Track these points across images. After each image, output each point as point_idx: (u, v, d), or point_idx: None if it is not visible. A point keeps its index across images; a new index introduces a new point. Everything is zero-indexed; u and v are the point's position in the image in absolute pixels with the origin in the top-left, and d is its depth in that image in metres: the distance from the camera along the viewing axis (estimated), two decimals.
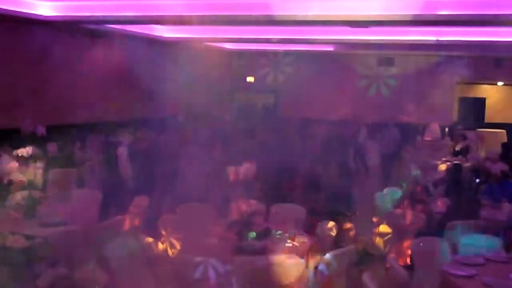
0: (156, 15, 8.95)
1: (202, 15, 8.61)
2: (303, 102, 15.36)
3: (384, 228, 7.08)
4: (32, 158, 8.07)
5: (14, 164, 7.80)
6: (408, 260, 5.80)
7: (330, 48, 14.23)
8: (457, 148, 11.41)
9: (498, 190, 7.27)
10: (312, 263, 4.97)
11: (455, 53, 14.03)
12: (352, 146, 9.99)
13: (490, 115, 16.00)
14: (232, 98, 16.62)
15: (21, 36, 9.46)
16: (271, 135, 10.55)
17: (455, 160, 10.03)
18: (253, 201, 6.40)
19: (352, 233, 5.73)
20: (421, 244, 5.34)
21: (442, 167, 9.89)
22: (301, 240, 5.35)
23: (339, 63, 15.41)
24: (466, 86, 16.03)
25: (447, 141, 12.81)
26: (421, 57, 14.87)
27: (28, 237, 4.82)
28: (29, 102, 9.68)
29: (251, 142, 9.82)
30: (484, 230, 5.84)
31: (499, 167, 8.40)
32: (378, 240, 7.19)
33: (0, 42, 9.28)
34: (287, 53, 15.73)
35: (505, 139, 13.46)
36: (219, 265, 4.49)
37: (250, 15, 8.34)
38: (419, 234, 5.94)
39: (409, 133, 12.70)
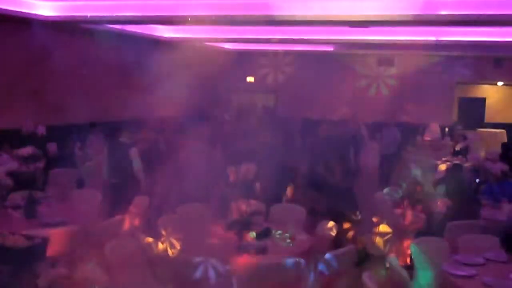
0: (156, 15, 8.95)
1: (202, 15, 8.61)
2: (303, 102, 15.35)
3: (384, 228, 7.09)
4: (32, 158, 8.07)
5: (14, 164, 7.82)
6: (408, 260, 5.81)
7: (330, 48, 14.22)
8: (457, 148, 11.40)
9: (498, 190, 7.27)
10: (312, 263, 4.97)
11: (455, 53, 14.03)
12: (352, 146, 9.97)
13: (490, 115, 16.00)
14: (232, 98, 16.61)
15: (21, 36, 9.45)
16: (271, 135, 10.54)
17: (455, 160, 10.03)
18: (253, 201, 6.41)
19: (351, 233, 5.73)
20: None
21: (442, 167, 9.90)
22: (301, 240, 5.35)
23: (339, 63, 15.41)
24: (466, 86, 16.03)
25: (447, 141, 12.81)
26: (421, 57, 14.87)
27: (28, 237, 4.82)
28: (29, 102, 9.67)
29: (251, 142, 9.81)
30: (484, 230, 5.84)
31: (499, 167, 8.39)
32: (378, 240, 7.19)
33: (0, 42, 9.27)
34: (287, 53, 15.73)
35: (505, 139, 13.46)
36: (219, 265, 4.49)
37: (250, 15, 8.34)
38: (419, 234, 5.95)
39: (409, 133, 12.69)
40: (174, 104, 12.57)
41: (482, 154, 11.00)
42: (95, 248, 5.10)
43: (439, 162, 10.47)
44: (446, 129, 13.55)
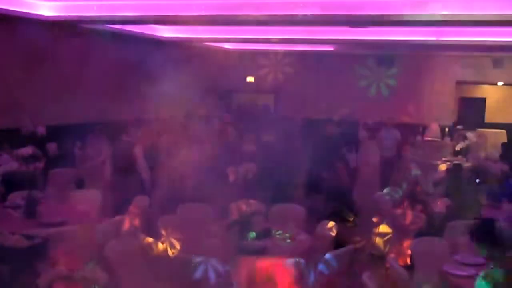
0: (156, 15, 8.95)
1: (202, 15, 8.61)
2: (303, 102, 15.36)
3: (384, 228, 7.09)
4: (32, 158, 8.07)
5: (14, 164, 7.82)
6: (408, 260, 5.81)
7: (330, 48, 14.23)
8: (457, 148, 11.41)
9: (498, 190, 7.27)
10: (312, 263, 4.97)
11: (455, 53, 14.03)
12: (352, 146, 9.98)
13: (490, 115, 16.01)
14: (232, 98, 16.61)
15: (21, 36, 9.45)
16: (271, 135, 10.54)
17: (455, 160, 10.03)
18: (253, 201, 6.40)
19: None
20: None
21: (442, 167, 9.90)
22: (301, 240, 5.35)
23: (339, 63, 15.41)
24: (466, 86, 16.03)
25: (447, 141, 12.82)
26: (421, 57, 14.87)
27: (28, 237, 4.82)
28: (29, 102, 9.68)
29: (251, 142, 9.83)
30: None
31: (499, 167, 8.40)
32: (378, 240, 7.19)
33: (0, 41, 9.27)
34: (287, 53, 15.73)
35: (505, 139, 13.46)
36: (219, 265, 4.49)
37: (250, 15, 8.34)
38: (419, 234, 5.95)
39: (409, 133, 12.70)
40: (174, 104, 12.59)
41: (482, 154, 11.01)
42: (95, 248, 5.11)
43: (439, 162, 10.47)
44: (446, 129, 13.56)
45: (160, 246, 5.25)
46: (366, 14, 7.89)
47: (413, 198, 7.09)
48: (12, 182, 7.37)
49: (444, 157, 10.94)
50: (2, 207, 6.30)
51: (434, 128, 13.81)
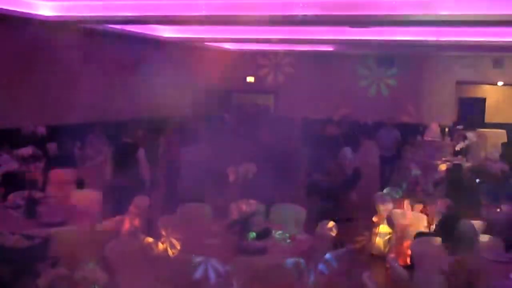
0: (156, 15, 8.94)
1: (202, 15, 8.61)
2: (303, 102, 15.36)
3: (384, 228, 7.09)
4: (32, 158, 8.07)
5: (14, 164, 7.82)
6: (408, 260, 5.80)
7: (330, 48, 14.23)
8: (457, 148, 11.41)
9: (498, 190, 7.26)
10: (312, 263, 4.97)
11: (455, 53, 14.03)
12: (351, 146, 9.96)
13: (490, 115, 16.01)
14: (232, 98, 16.62)
15: (21, 36, 9.46)
16: (271, 135, 10.54)
17: (455, 160, 10.03)
18: (253, 201, 6.40)
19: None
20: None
21: (442, 167, 9.89)
22: (301, 240, 5.35)
23: (339, 63, 15.41)
24: (466, 86, 16.03)
25: (447, 141, 12.82)
26: (421, 57, 14.87)
27: (28, 237, 4.82)
28: (29, 102, 9.68)
29: (251, 142, 9.83)
30: (484, 230, 5.84)
31: (499, 167, 8.40)
32: (378, 240, 7.19)
33: (0, 41, 9.28)
34: (287, 53, 15.73)
35: (505, 139, 13.46)
36: (219, 265, 4.49)
37: (250, 15, 8.34)
38: (419, 234, 5.94)
39: (409, 133, 12.70)
40: (174, 104, 12.60)
41: (482, 154, 11.01)
42: (95, 248, 5.11)
43: (439, 162, 10.46)
44: (446, 129, 13.56)
45: (160, 246, 5.25)
46: (366, 14, 7.89)
47: (413, 198, 7.08)
48: (12, 182, 7.38)
49: (444, 157, 10.93)
50: (2, 207, 6.30)
51: (434, 128, 13.81)
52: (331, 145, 9.47)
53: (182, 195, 6.99)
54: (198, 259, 4.53)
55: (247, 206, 6.20)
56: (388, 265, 5.36)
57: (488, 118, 15.97)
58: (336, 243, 5.48)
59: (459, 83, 15.42)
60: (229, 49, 15.39)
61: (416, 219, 6.52)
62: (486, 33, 10.22)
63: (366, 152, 11.12)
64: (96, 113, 10.65)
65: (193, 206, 6.40)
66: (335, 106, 14.33)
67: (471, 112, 15.78)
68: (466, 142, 11.53)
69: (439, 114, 14.57)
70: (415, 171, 8.88)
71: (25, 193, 6.38)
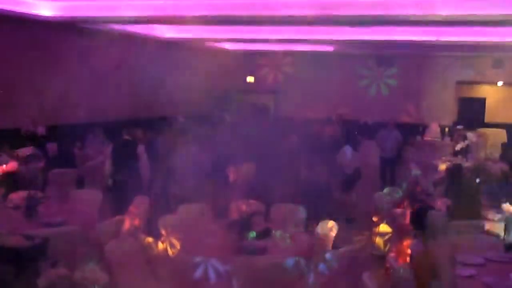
0: (156, 15, 8.95)
1: (202, 15, 8.61)
2: (303, 102, 15.35)
3: (384, 228, 7.08)
4: (32, 158, 8.07)
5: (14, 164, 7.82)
6: (408, 260, 5.80)
7: (330, 48, 14.22)
8: (457, 148, 11.40)
9: (498, 190, 7.26)
10: (312, 263, 4.97)
11: (455, 53, 14.03)
12: (349, 146, 9.92)
13: (490, 115, 16.00)
14: (232, 98, 16.61)
15: (21, 36, 9.46)
16: (271, 135, 10.54)
17: (455, 160, 10.03)
18: (253, 201, 6.40)
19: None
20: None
21: (442, 167, 9.89)
22: (301, 240, 5.35)
23: (339, 63, 15.41)
24: (466, 86, 16.03)
25: (447, 141, 12.82)
26: (421, 57, 14.87)
27: (28, 237, 4.82)
28: (29, 102, 9.68)
29: (251, 142, 9.81)
30: (484, 230, 5.84)
31: (499, 167, 8.40)
32: (378, 240, 7.19)
33: (0, 41, 9.28)
34: (287, 53, 15.72)
35: (505, 139, 13.46)
36: (219, 265, 4.49)
37: (250, 15, 8.34)
38: (419, 234, 5.94)
39: (409, 133, 12.70)
40: (174, 104, 12.60)
41: (482, 154, 11.01)
42: (95, 248, 5.11)
43: (439, 162, 10.46)
44: (446, 129, 13.56)
45: (160, 246, 5.25)
46: (366, 14, 7.89)
47: (413, 198, 7.08)
48: (12, 182, 7.38)
49: (444, 157, 10.93)
50: (2, 207, 6.30)
51: (434, 128, 13.81)
52: (330, 144, 9.47)
53: (181, 195, 6.98)
54: (198, 259, 4.52)
55: (247, 206, 6.20)
56: (388, 265, 5.36)
57: (488, 118, 15.96)
58: (336, 243, 5.48)
59: (459, 83, 15.42)
60: (229, 49, 15.38)
61: None
62: (486, 33, 10.22)
63: (366, 152, 11.12)
64: (96, 113, 10.65)
65: (193, 206, 6.39)
66: (335, 106, 14.32)
67: (471, 112, 15.77)
68: (466, 142, 11.52)
69: (439, 114, 14.58)
70: (415, 171, 8.88)
71: (25, 193, 6.37)
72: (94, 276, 3.81)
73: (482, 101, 16.24)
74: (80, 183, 8.48)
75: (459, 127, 13.55)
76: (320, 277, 4.75)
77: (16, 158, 8.02)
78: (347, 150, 9.48)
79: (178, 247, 5.17)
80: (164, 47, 12.69)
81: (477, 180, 7.97)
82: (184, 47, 13.51)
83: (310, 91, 15.41)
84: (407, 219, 6.53)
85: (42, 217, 5.79)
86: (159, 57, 12.40)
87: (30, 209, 5.89)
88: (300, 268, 4.63)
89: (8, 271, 4.36)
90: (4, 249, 4.60)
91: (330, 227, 5.68)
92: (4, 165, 7.76)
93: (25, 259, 4.55)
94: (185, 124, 11.25)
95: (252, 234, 5.30)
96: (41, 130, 9.49)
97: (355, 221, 8.15)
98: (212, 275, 4.47)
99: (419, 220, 5.21)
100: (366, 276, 4.31)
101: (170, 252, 5.22)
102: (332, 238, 5.63)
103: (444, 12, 7.47)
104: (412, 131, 13.21)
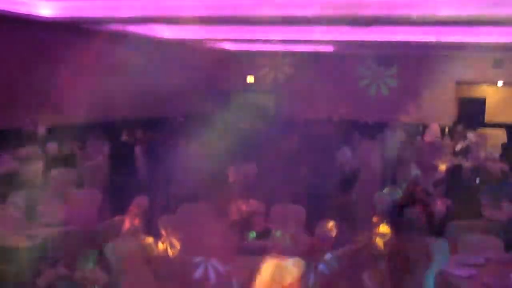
0: (156, 15, 8.94)
1: (202, 15, 8.61)
2: (303, 102, 15.36)
3: (384, 228, 7.07)
4: (32, 158, 8.07)
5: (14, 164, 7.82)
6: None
7: (330, 48, 14.22)
8: (457, 148, 11.40)
9: (498, 190, 7.26)
10: (312, 263, 4.96)
11: (455, 53, 14.03)
12: (347, 146, 9.93)
13: (490, 115, 16.00)
14: (232, 98, 16.62)
15: (21, 36, 9.46)
16: (271, 135, 10.54)
17: (455, 160, 10.02)
18: (253, 201, 6.40)
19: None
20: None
21: (442, 167, 9.89)
22: (301, 240, 5.34)
23: (339, 63, 15.41)
24: (466, 86, 16.03)
25: (447, 141, 12.81)
26: (421, 57, 14.87)
27: (28, 237, 4.82)
28: (29, 102, 9.68)
29: (251, 142, 9.82)
30: (484, 230, 5.83)
31: (499, 167, 8.40)
32: (378, 240, 7.17)
33: (0, 41, 9.28)
34: (287, 53, 15.73)
35: (505, 139, 13.46)
36: (219, 265, 4.49)
37: (250, 15, 8.34)
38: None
39: (409, 133, 12.69)
40: (174, 104, 12.60)
41: (482, 154, 11.00)
42: (95, 248, 5.10)
43: (439, 162, 10.46)
44: (446, 129, 13.55)
45: (160, 246, 5.25)
46: (366, 14, 7.89)
47: (413, 198, 7.07)
48: (12, 182, 7.37)
49: (444, 157, 10.92)
50: (2, 207, 6.29)
51: (434, 128, 13.80)
52: (328, 145, 9.46)
53: (181, 195, 6.98)
54: (198, 259, 4.52)
55: (247, 206, 6.20)
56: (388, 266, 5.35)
57: (488, 118, 15.97)
58: (336, 243, 5.47)
59: (459, 83, 15.42)
60: (229, 49, 15.39)
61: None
62: (486, 33, 10.22)
63: (366, 152, 11.10)
64: (96, 113, 10.65)
65: (193, 206, 6.39)
66: (335, 106, 14.33)
67: (471, 112, 15.77)
68: (466, 142, 11.52)
69: (439, 114, 14.57)
70: (415, 171, 8.87)
71: (25, 193, 6.37)
72: (94, 276, 3.82)
73: (482, 101, 16.24)
74: (80, 183, 8.48)
75: (459, 127, 13.54)
76: (320, 277, 4.75)
77: (16, 158, 8.02)
78: (345, 150, 9.48)
79: (178, 247, 5.16)
80: (164, 47, 12.69)
81: (477, 180, 7.98)
82: (184, 47, 13.51)
83: (310, 91, 15.41)
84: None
85: (42, 217, 5.78)
86: (159, 57, 12.41)
87: (30, 209, 5.89)
88: (300, 268, 4.63)
89: (8, 271, 4.36)
90: (4, 249, 4.60)
91: (330, 227, 5.67)
92: (4, 165, 7.77)
93: (25, 259, 4.55)
94: (185, 124, 11.26)
95: (252, 234, 5.30)
96: (41, 130, 9.48)
97: (354, 221, 8.13)
98: (212, 275, 4.47)
99: (395, 215, 5.49)
100: (366, 276, 4.31)
101: (170, 252, 5.22)
102: (332, 238, 5.63)
103: (444, 12, 7.47)
104: (412, 131, 13.20)
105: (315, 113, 14.32)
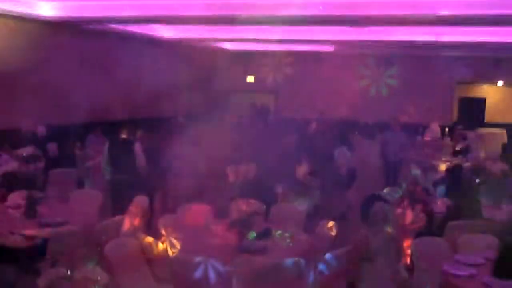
0: (156, 15, 8.95)
1: (202, 15, 8.61)
2: (303, 102, 15.36)
3: None
4: (32, 158, 8.07)
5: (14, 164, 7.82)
6: (408, 260, 5.80)
7: (330, 48, 14.23)
8: (457, 148, 11.40)
9: (498, 190, 7.26)
10: (312, 263, 4.96)
11: (455, 53, 14.04)
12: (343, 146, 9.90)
13: (490, 115, 16.01)
14: (232, 98, 16.63)
15: (21, 36, 9.45)
16: (271, 135, 10.54)
17: (455, 160, 10.03)
18: (253, 201, 6.40)
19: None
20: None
21: (442, 167, 9.89)
22: (301, 240, 5.35)
23: (339, 63, 15.41)
24: (466, 86, 16.04)
25: (447, 141, 12.81)
26: (421, 57, 14.88)
27: (28, 237, 4.82)
28: (29, 102, 9.66)
29: (250, 142, 9.82)
30: (484, 230, 5.83)
31: (499, 167, 8.40)
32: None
33: (0, 41, 9.28)
34: (287, 53, 15.73)
35: (505, 139, 13.47)
36: (219, 265, 4.49)
37: (250, 15, 8.34)
38: (419, 234, 5.94)
39: (409, 133, 12.70)
40: (174, 104, 12.60)
41: (482, 154, 11.01)
42: (95, 248, 5.11)
43: (439, 162, 10.46)
44: (446, 129, 13.56)
45: (160, 246, 5.25)
46: (366, 14, 7.89)
47: (413, 198, 7.08)
48: (12, 182, 7.37)
49: (444, 157, 10.93)
50: (2, 207, 6.30)
51: (434, 128, 13.81)
52: (321, 144, 9.44)
53: (181, 195, 6.98)
54: (198, 259, 4.52)
55: (247, 206, 6.20)
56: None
57: (488, 118, 15.98)
58: (336, 243, 5.48)
59: (459, 83, 15.43)
60: (229, 49, 15.39)
61: (416, 218, 6.51)
62: (486, 33, 10.22)
63: (365, 152, 11.10)
64: (95, 113, 10.64)
65: (193, 206, 6.39)
66: (335, 106, 14.34)
67: (471, 112, 15.78)
68: (466, 142, 11.52)
69: (439, 114, 14.58)
70: (415, 171, 8.87)
71: (25, 193, 6.37)
72: (94, 276, 3.82)
73: (482, 101, 16.25)
74: (80, 183, 8.48)
75: (459, 127, 13.56)
76: (320, 277, 4.75)
77: (16, 158, 8.02)
78: (342, 150, 9.47)
79: (178, 247, 5.17)
80: (164, 47, 12.69)
81: (477, 180, 7.98)
82: (184, 47, 13.52)
83: (310, 91, 15.41)
84: (407, 219, 6.52)
85: (42, 217, 5.79)
86: (159, 57, 12.41)
87: (30, 209, 5.89)
88: (300, 268, 4.63)
89: (8, 271, 4.36)
90: (4, 249, 4.60)
91: (330, 227, 5.68)
92: (4, 165, 7.77)
93: (25, 259, 4.55)
94: (185, 124, 11.26)
95: (252, 234, 5.30)
96: (41, 130, 9.48)
97: (353, 221, 8.14)
98: (212, 275, 4.47)
99: (365, 208, 5.74)
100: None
101: (170, 252, 5.22)
102: (332, 238, 5.63)
103: (444, 12, 7.47)
104: (412, 131, 13.20)
105: (315, 113, 14.32)
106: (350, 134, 11.88)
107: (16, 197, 6.53)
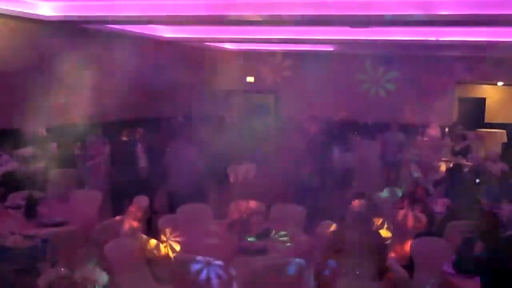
0: (156, 15, 8.95)
1: (202, 15, 8.61)
2: (303, 102, 15.36)
3: (384, 233, 7.07)
4: (32, 158, 8.07)
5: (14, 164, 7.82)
6: (408, 260, 5.80)
7: (330, 48, 14.22)
8: (457, 148, 11.40)
9: (498, 190, 7.26)
10: (312, 263, 4.97)
11: (455, 53, 14.04)
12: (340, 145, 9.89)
13: (490, 115, 16.02)
14: (232, 98, 16.63)
15: (21, 36, 9.45)
16: (271, 135, 10.54)
17: (455, 160, 10.03)
18: (253, 201, 6.40)
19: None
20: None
21: (442, 167, 9.89)
22: (301, 240, 5.35)
23: (339, 63, 15.41)
24: (466, 86, 16.03)
25: (447, 141, 12.81)
26: (421, 57, 14.88)
27: (28, 237, 4.82)
28: (29, 102, 9.66)
29: (250, 142, 9.82)
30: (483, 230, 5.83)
31: (499, 167, 8.40)
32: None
33: (0, 41, 9.27)
34: (287, 53, 15.73)
35: (505, 139, 13.47)
36: (219, 265, 4.49)
37: (250, 15, 8.34)
38: (419, 234, 5.95)
39: (409, 133, 12.70)
40: (174, 104, 12.60)
41: (482, 154, 11.01)
42: (95, 248, 5.11)
43: (439, 162, 10.46)
44: (446, 129, 13.56)
45: (160, 246, 5.25)
46: (366, 14, 7.89)
47: (413, 198, 7.08)
48: (12, 182, 7.38)
49: (444, 157, 10.93)
50: (2, 207, 6.30)
51: (434, 128, 13.80)
52: (317, 144, 9.44)
53: (181, 195, 6.98)
54: (198, 259, 4.52)
55: (247, 206, 6.20)
56: (388, 265, 5.36)
57: (488, 118, 15.98)
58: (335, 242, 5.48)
59: (459, 83, 15.42)
60: (229, 49, 15.39)
61: (416, 219, 6.51)
62: (486, 33, 10.22)
63: (364, 152, 11.10)
64: (95, 113, 10.63)
65: (193, 206, 6.40)
66: (335, 106, 14.33)
67: (471, 112, 15.78)
68: (466, 142, 11.52)
69: (439, 114, 14.57)
70: (415, 172, 8.88)
71: (25, 193, 6.38)
72: (94, 276, 3.82)
73: (482, 101, 16.26)
74: (80, 183, 8.48)
75: (459, 127, 13.56)
76: (320, 277, 4.75)
77: (16, 158, 8.02)
78: (342, 150, 9.46)
79: (179, 247, 5.17)
80: (164, 47, 12.69)
81: (477, 180, 7.98)
82: (184, 47, 13.52)
83: (310, 91, 15.40)
84: (408, 220, 6.52)
85: (42, 217, 5.79)
86: (159, 57, 12.40)
87: (30, 209, 5.90)
88: (300, 268, 4.63)
89: (8, 271, 4.36)
90: (4, 249, 4.60)
91: (330, 227, 5.68)
92: (4, 165, 7.77)
93: (25, 259, 4.55)
94: (185, 124, 11.26)
95: (252, 238, 5.30)
96: (41, 130, 9.48)
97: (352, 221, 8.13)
98: (212, 275, 4.48)
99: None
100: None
101: (170, 252, 5.22)
102: (332, 238, 5.63)
103: (444, 12, 7.47)
104: (412, 131, 13.20)
105: (315, 113, 14.31)
106: (350, 134, 11.87)
107: (16, 197, 6.54)
